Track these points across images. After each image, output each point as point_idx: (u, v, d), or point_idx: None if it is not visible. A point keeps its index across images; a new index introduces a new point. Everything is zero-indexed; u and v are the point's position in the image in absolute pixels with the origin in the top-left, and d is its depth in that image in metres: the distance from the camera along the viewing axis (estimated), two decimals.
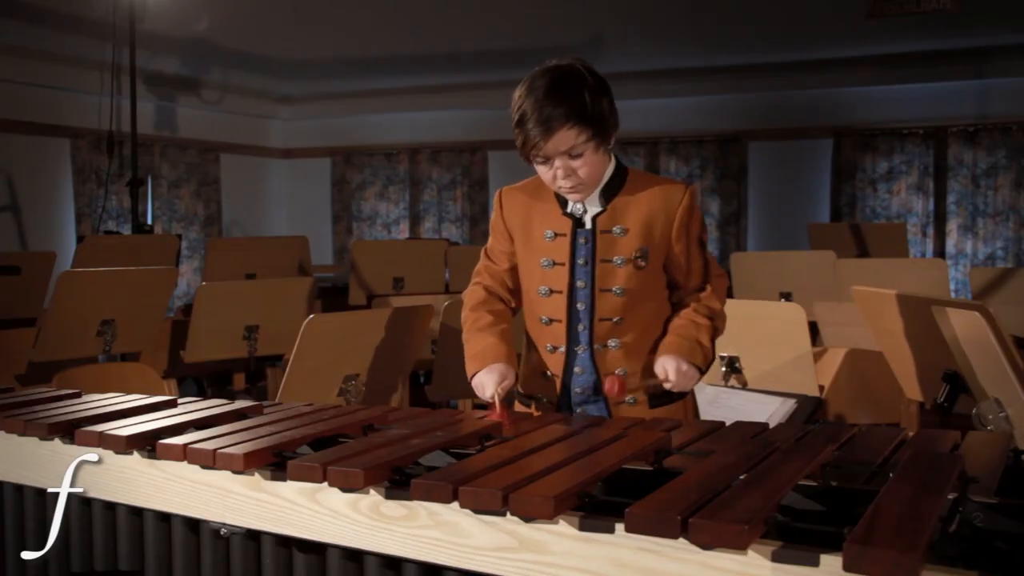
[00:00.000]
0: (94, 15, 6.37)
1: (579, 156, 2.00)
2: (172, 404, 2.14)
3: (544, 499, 1.30)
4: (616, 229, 2.08)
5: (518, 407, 2.25)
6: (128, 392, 2.32)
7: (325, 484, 1.52)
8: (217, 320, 4.10)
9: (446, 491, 1.38)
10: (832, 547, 1.13)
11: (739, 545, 1.16)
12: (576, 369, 2.13)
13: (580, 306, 2.10)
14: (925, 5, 6.05)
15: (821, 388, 3.51)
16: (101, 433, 1.82)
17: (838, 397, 3.64)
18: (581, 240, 2.10)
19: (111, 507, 1.81)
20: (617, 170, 2.11)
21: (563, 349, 2.13)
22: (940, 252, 8.05)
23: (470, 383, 2.12)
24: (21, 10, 6.37)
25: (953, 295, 6.39)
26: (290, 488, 1.56)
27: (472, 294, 2.24)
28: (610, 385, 2.00)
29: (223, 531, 1.64)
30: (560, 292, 2.10)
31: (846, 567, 1.08)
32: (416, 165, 9.94)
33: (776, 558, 1.16)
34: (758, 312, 3.35)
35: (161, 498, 1.73)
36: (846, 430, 1.70)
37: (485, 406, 2.13)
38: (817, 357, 3.56)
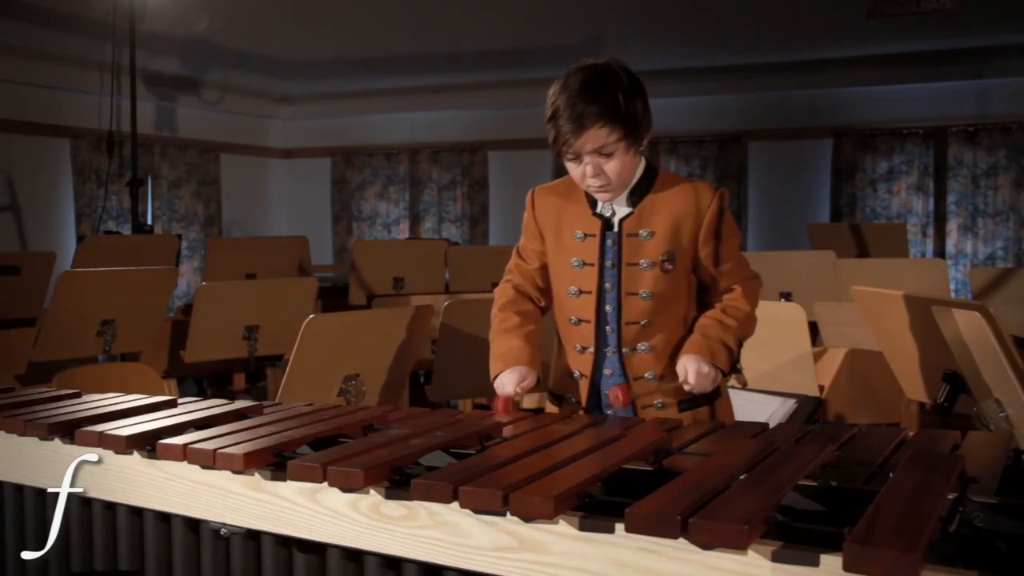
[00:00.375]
0: (94, 15, 6.37)
1: (610, 155, 2.00)
2: (172, 404, 2.14)
3: (544, 499, 1.30)
4: (642, 232, 2.07)
5: (548, 407, 2.26)
6: (128, 392, 2.32)
7: (325, 484, 1.52)
8: (217, 320, 4.10)
9: (446, 491, 1.38)
10: (832, 547, 1.13)
11: (739, 545, 1.16)
12: (606, 371, 2.14)
13: (608, 308, 2.11)
14: (925, 5, 6.05)
15: (821, 388, 3.51)
16: (101, 433, 1.82)
17: (838, 397, 3.64)
18: (609, 242, 2.10)
19: (111, 507, 1.81)
20: (647, 172, 2.10)
21: (592, 350, 2.13)
22: (940, 252, 8.05)
23: (492, 383, 2.12)
24: (21, 10, 6.37)
25: (953, 295, 6.39)
26: (290, 488, 1.56)
27: (502, 293, 2.25)
28: (614, 396, 1.97)
29: (223, 531, 1.64)
30: (589, 293, 2.11)
31: (846, 567, 1.08)
32: (416, 165, 9.94)
33: (776, 558, 1.16)
34: (758, 312, 3.35)
35: (161, 498, 1.73)
36: (846, 430, 1.70)
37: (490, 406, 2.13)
38: (817, 357, 3.56)
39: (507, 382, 2.07)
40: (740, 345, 2.12)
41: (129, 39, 6.34)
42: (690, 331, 2.12)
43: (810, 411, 3.04)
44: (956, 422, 2.46)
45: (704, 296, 2.17)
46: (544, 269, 2.21)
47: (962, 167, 8.05)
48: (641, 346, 2.10)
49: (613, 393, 1.95)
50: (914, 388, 2.93)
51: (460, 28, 7.31)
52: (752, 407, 2.90)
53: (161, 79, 8.26)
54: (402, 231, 9.99)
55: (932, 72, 7.86)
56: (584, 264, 2.11)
